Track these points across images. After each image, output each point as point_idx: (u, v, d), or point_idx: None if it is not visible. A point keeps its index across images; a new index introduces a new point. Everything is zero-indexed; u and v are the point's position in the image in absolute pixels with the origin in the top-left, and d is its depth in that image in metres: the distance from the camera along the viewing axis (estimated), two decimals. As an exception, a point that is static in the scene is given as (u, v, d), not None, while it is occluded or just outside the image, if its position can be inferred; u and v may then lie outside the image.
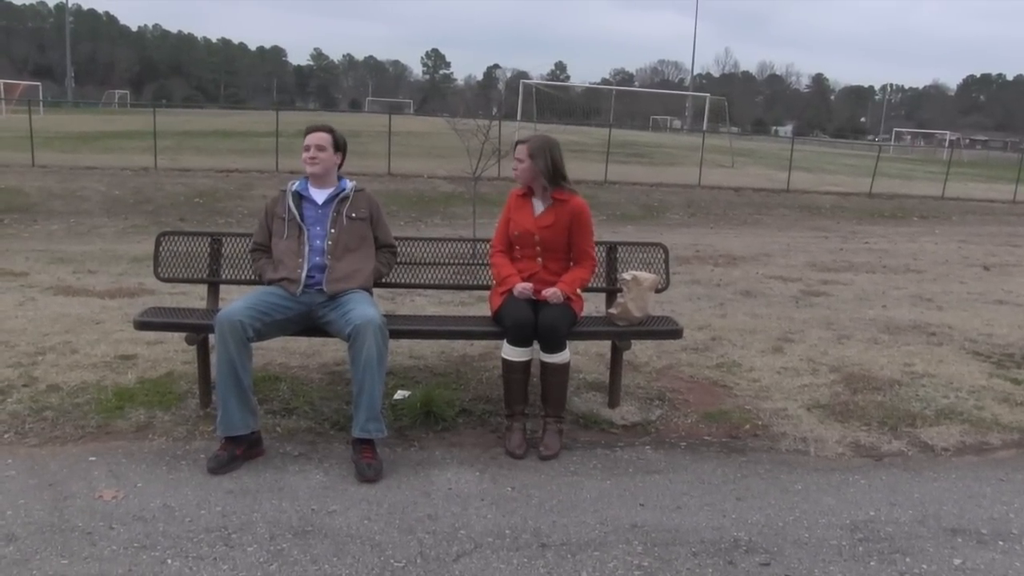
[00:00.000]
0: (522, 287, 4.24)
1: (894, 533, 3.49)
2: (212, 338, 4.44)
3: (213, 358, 4.55)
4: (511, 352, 4.18)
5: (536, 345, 4.20)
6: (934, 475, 4.09)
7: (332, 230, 4.25)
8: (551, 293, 4.23)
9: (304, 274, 4.15)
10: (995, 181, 31.32)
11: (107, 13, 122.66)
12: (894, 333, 6.58)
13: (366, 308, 3.99)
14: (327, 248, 4.22)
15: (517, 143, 4.46)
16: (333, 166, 4.34)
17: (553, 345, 4.16)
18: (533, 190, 4.42)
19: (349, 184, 4.40)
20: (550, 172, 4.33)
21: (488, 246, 4.61)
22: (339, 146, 4.36)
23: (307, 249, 4.20)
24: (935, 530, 3.52)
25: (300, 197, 4.31)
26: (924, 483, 3.99)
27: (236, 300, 4.03)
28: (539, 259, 4.38)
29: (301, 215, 4.26)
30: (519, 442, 4.16)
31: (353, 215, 4.31)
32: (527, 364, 4.23)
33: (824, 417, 4.72)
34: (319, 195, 4.32)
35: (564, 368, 4.23)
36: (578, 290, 4.39)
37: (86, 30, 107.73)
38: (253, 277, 4.58)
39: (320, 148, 4.26)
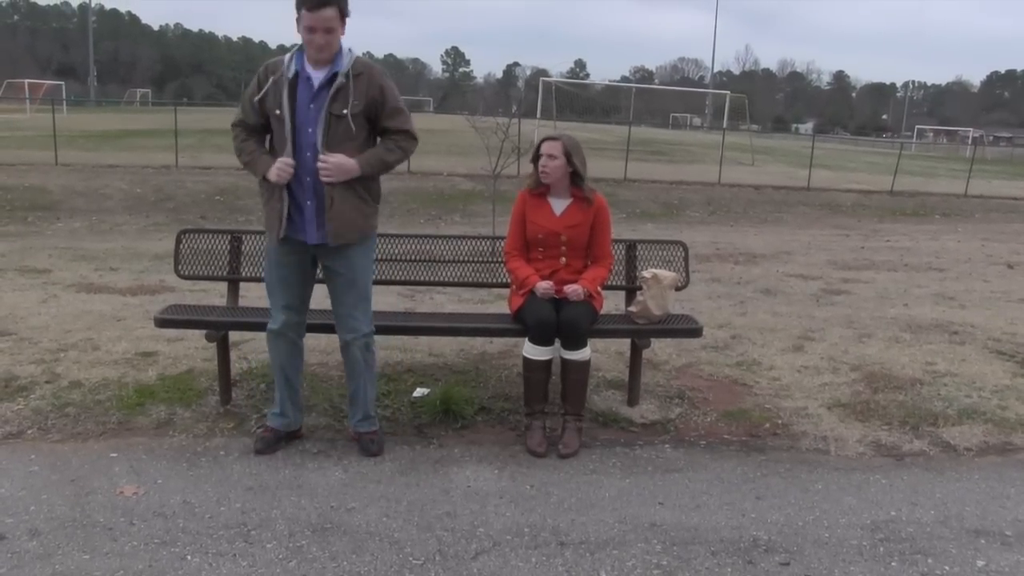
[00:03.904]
0: (544, 286, 4.22)
1: (915, 534, 3.45)
2: (232, 335, 4.49)
3: (233, 355, 4.58)
4: (532, 351, 4.17)
5: (557, 344, 4.20)
6: (956, 475, 4.05)
7: (325, 138, 3.66)
8: (572, 290, 4.21)
9: (286, 211, 3.73)
10: (1019, 178, 31.01)
11: (129, 13, 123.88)
12: (916, 332, 6.52)
13: (356, 310, 3.92)
14: (317, 167, 3.67)
15: (545, 140, 4.37)
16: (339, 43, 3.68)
17: (574, 342, 4.15)
18: (549, 189, 4.37)
19: (346, 59, 3.69)
20: (579, 173, 4.31)
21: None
22: (345, 15, 3.63)
23: (298, 170, 3.69)
24: (958, 531, 3.49)
25: (295, 77, 3.66)
26: (946, 483, 3.95)
27: (275, 307, 3.90)
28: (563, 258, 4.35)
29: (293, 110, 3.66)
30: (540, 440, 4.15)
31: (344, 112, 3.66)
32: (548, 363, 4.22)
33: (845, 416, 4.69)
34: (317, 76, 3.66)
35: (585, 365, 4.22)
36: (598, 288, 4.38)
37: (108, 30, 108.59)
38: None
39: (329, 31, 3.56)
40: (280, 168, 3.66)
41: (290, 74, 3.65)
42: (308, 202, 3.73)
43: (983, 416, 4.71)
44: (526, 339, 4.20)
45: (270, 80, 3.69)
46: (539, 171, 4.31)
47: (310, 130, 3.66)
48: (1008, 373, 5.49)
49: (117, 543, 3.15)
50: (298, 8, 3.54)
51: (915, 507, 3.69)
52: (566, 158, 4.26)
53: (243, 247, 4.72)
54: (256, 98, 3.73)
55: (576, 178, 4.32)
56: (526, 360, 4.21)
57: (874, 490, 3.85)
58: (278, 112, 3.66)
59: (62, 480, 3.64)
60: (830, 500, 3.73)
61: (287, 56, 3.71)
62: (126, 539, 3.18)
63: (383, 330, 4.67)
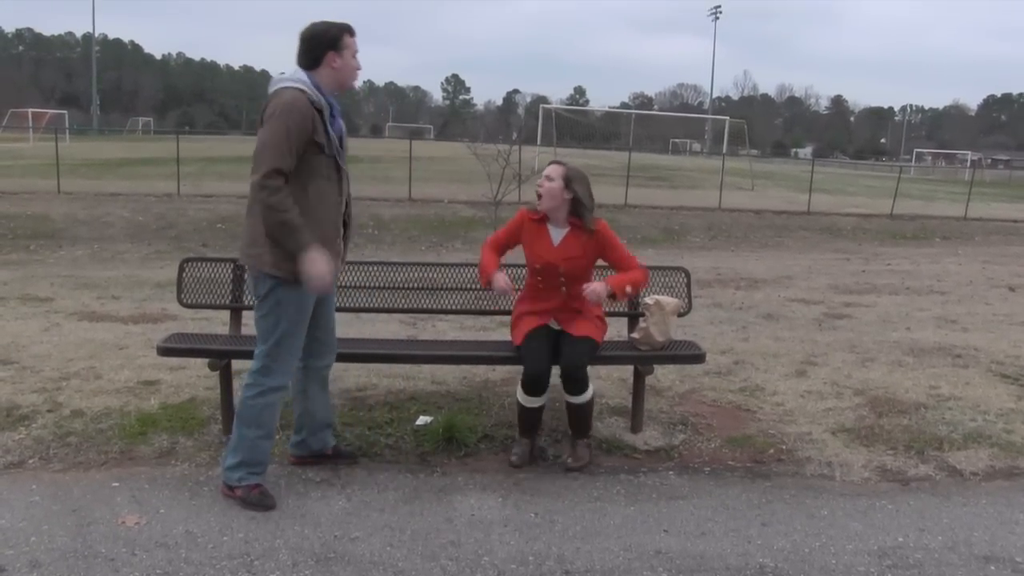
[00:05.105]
0: (499, 283, 4.16)
1: (924, 560, 3.43)
2: (235, 364, 4.48)
3: (236, 384, 4.57)
4: (524, 399, 4.20)
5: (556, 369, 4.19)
6: (963, 500, 4.02)
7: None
8: (590, 291, 4.08)
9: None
10: (1018, 201, 31.09)
11: (132, 42, 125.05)
12: (919, 355, 6.50)
13: (335, 333, 4.02)
14: (348, 199, 3.81)
15: (550, 163, 4.30)
16: None
17: (573, 389, 4.15)
18: (548, 216, 4.29)
19: None
20: (583, 203, 4.18)
21: (507, 271, 4.59)
22: None
23: (345, 202, 3.74)
24: (966, 557, 3.46)
25: (328, 108, 3.57)
26: (953, 508, 3.93)
27: (292, 359, 3.75)
28: (563, 289, 4.28)
29: (341, 142, 3.65)
30: (520, 453, 4.22)
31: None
32: (543, 408, 4.27)
33: (849, 441, 4.67)
34: (337, 110, 3.69)
35: (587, 406, 4.24)
36: (627, 288, 4.25)
37: (112, 59, 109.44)
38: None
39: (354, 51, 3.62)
40: (328, 275, 3.50)
41: (327, 107, 3.55)
42: (342, 234, 3.80)
43: (989, 440, 4.69)
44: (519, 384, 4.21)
45: (314, 114, 3.48)
46: (536, 191, 4.25)
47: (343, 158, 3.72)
48: (1012, 396, 5.47)
49: (119, 574, 3.13)
50: (340, 36, 3.55)
51: (922, 533, 3.66)
52: (564, 183, 4.16)
53: (246, 275, 4.71)
54: (307, 135, 3.46)
55: (578, 207, 4.20)
56: (519, 403, 4.24)
57: (880, 515, 3.82)
58: (326, 148, 3.54)
59: (63, 510, 3.62)
60: (836, 526, 3.70)
61: (306, 85, 3.49)
62: (128, 570, 3.16)
63: (386, 358, 4.68)
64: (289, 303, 3.58)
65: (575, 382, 4.13)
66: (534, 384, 4.13)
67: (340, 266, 3.81)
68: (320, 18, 3.60)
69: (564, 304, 4.29)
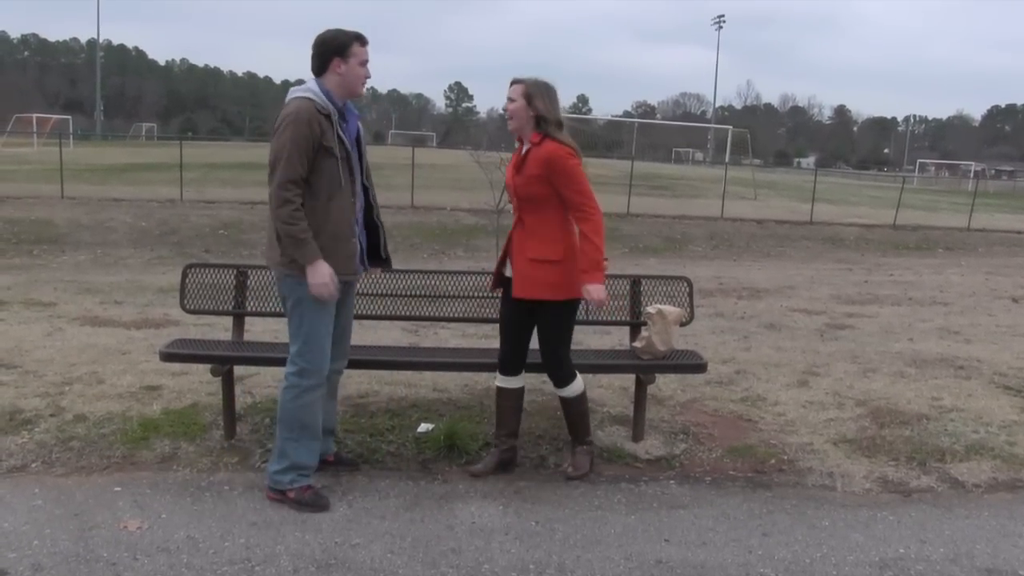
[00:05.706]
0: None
1: (925, 571, 3.42)
2: (236, 370, 4.49)
3: (238, 390, 4.58)
4: (500, 380, 4.21)
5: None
6: (965, 512, 4.02)
7: (363, 167, 3.84)
8: (593, 300, 3.86)
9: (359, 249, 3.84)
10: (1022, 212, 31.07)
11: (136, 48, 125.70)
12: (921, 366, 6.49)
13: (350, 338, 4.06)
14: (373, 201, 3.93)
15: (512, 83, 3.95)
16: None
17: (556, 383, 4.15)
18: (522, 138, 3.97)
19: None
20: (544, 117, 3.84)
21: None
22: None
23: (360, 204, 3.83)
24: (968, 569, 3.45)
25: (340, 117, 3.69)
26: (955, 520, 3.92)
27: (327, 356, 3.79)
28: (517, 214, 3.97)
29: (359, 151, 3.79)
30: (486, 463, 4.21)
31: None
32: (517, 392, 4.23)
33: (851, 452, 4.66)
34: (353, 110, 3.82)
35: (575, 400, 4.19)
36: (604, 262, 3.88)
37: (116, 64, 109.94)
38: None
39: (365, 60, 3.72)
40: (330, 284, 3.59)
41: (335, 112, 3.63)
42: (362, 236, 3.88)
43: (991, 452, 4.68)
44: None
45: (320, 120, 3.57)
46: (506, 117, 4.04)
47: (363, 164, 3.83)
48: (1015, 408, 5.46)
49: (120, 579, 3.13)
50: (348, 44, 3.64)
51: (924, 544, 3.66)
52: (527, 100, 3.85)
53: (248, 281, 4.72)
54: (315, 141, 3.55)
55: (540, 122, 3.86)
56: (496, 386, 4.24)
57: (882, 527, 3.82)
58: (335, 151, 3.61)
59: (66, 514, 3.62)
60: (837, 537, 3.70)
61: (314, 93, 3.60)
62: (130, 574, 3.16)
63: (388, 365, 4.69)
64: (308, 300, 3.64)
65: (553, 378, 4.15)
66: (504, 365, 4.17)
67: (359, 266, 3.87)
68: (325, 25, 3.67)
69: (517, 235, 3.97)
